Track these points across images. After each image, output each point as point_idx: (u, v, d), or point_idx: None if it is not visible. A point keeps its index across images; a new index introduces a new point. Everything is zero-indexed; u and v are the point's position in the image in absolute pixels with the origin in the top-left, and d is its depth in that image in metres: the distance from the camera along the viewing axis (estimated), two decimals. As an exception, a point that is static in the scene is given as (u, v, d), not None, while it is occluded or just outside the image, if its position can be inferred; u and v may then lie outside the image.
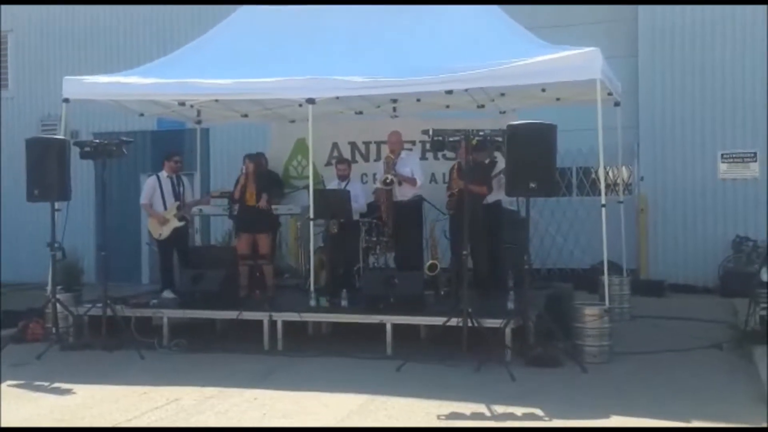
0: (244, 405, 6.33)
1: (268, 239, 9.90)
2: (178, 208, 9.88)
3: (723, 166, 12.94)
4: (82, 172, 12.86)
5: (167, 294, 9.66)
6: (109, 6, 16.01)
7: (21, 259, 14.97)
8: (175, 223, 9.86)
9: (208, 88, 9.02)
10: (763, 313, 7.89)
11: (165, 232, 9.86)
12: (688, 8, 13.09)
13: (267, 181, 10.15)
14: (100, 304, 8.59)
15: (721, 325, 9.22)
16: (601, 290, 8.30)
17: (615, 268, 9.74)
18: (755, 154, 12.76)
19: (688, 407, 6.01)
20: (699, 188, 13.03)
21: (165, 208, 9.87)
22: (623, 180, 13.07)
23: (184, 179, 10.27)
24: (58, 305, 8.63)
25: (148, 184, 10.10)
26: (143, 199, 10.07)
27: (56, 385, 7.04)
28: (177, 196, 9.96)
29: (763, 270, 8.03)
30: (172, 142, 14.40)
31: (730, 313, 9.99)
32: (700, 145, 13.05)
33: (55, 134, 11.49)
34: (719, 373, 7.19)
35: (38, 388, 6.99)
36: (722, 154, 12.93)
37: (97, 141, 8.74)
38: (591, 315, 7.62)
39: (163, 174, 10.05)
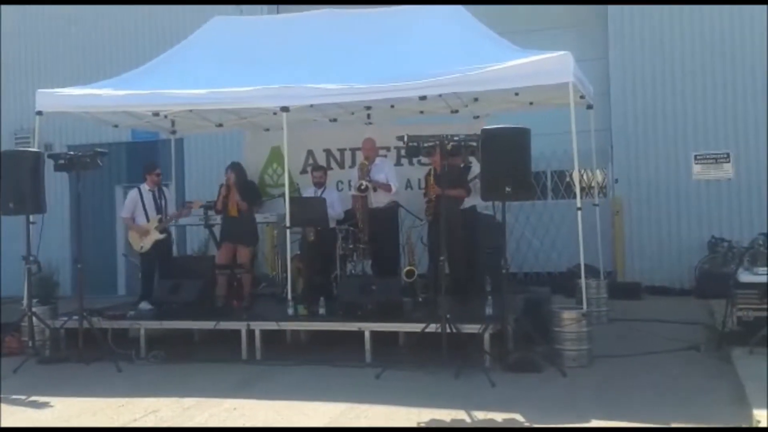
0: (224, 415, 6.29)
1: (249, 250, 9.85)
2: (160, 221, 9.85)
3: (697, 167, 13.05)
4: (55, 185, 12.72)
5: (144, 305, 9.58)
6: (83, 14, 15.92)
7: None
8: (157, 236, 9.82)
9: (182, 98, 8.99)
10: (740, 314, 7.95)
11: (146, 244, 9.82)
12: (656, 10, 13.21)
13: (247, 191, 10.12)
14: (76, 317, 8.51)
15: (699, 327, 9.25)
16: (579, 294, 8.34)
17: (592, 271, 9.78)
18: (728, 154, 12.89)
19: (668, 409, 6.06)
20: (673, 190, 13.12)
21: (147, 221, 9.84)
22: (598, 183, 13.16)
23: (166, 191, 10.25)
24: (34, 318, 8.54)
25: (130, 197, 10.05)
26: (125, 213, 10.04)
27: (33, 398, 6.95)
28: (159, 209, 9.93)
29: (740, 270, 8.10)
30: (146, 153, 14.34)
31: (706, 314, 10.01)
32: (673, 146, 13.14)
33: (28, 147, 11.40)
34: (698, 375, 7.22)
35: (15, 402, 6.89)
36: (695, 155, 13.05)
37: (72, 153, 8.67)
38: (569, 319, 7.64)
39: (145, 187, 10.02)
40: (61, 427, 5.98)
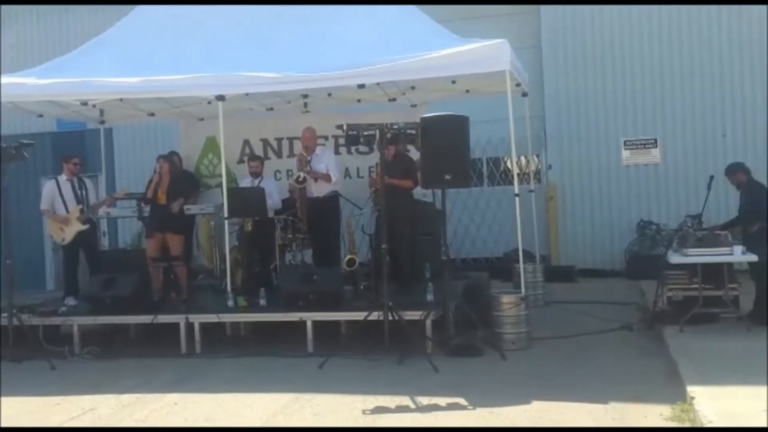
0: (165, 410, 6.19)
1: (179, 239, 9.64)
2: (81, 211, 9.56)
3: (626, 153, 13.37)
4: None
5: (70, 301, 9.32)
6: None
7: None
8: (79, 227, 9.53)
9: (113, 86, 8.76)
10: (671, 294, 8.21)
11: (68, 236, 9.53)
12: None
13: (182, 181, 9.92)
14: (5, 314, 8.22)
15: (630, 307, 9.55)
16: (516, 278, 8.47)
17: (528, 256, 9.92)
18: (656, 140, 13.24)
19: (606, 388, 6.19)
20: (604, 175, 13.41)
21: (67, 212, 9.54)
22: (532, 169, 13.36)
23: (87, 181, 9.94)
24: (-40, 318, 8.24)
25: (47, 189, 9.73)
26: (43, 205, 9.71)
27: (-37, 400, 6.70)
28: (79, 199, 9.63)
29: (670, 252, 8.34)
30: (73, 144, 13.95)
31: (637, 295, 10.34)
32: (603, 132, 13.41)
33: (-55, 140, 10.95)
34: (632, 354, 7.44)
35: (-56, 405, 6.64)
36: (625, 141, 13.36)
37: (-4, 145, 8.36)
38: (508, 303, 7.76)
39: (63, 177, 9.72)
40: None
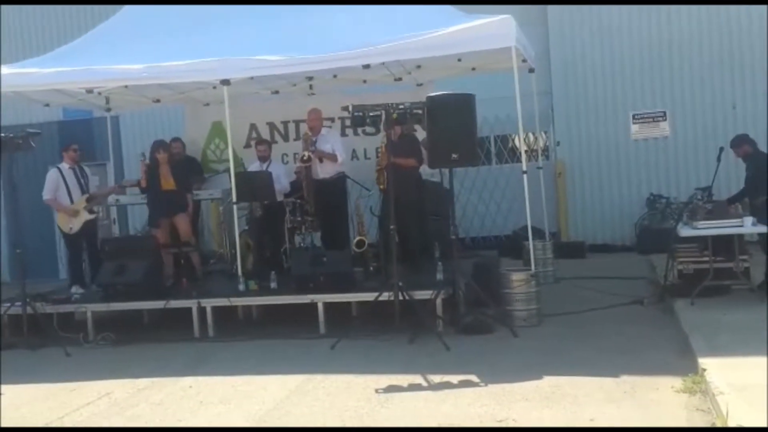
0: (179, 394, 6.24)
1: (186, 221, 9.63)
2: (88, 201, 9.61)
3: (634, 127, 13.30)
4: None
5: (75, 290, 9.37)
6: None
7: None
8: (86, 216, 9.59)
9: (117, 73, 8.74)
10: (681, 267, 8.19)
11: (76, 225, 9.57)
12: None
13: (186, 166, 9.94)
14: (19, 303, 8.29)
15: (641, 281, 9.55)
16: (526, 255, 8.46)
17: (537, 233, 9.91)
18: (665, 113, 13.17)
19: (617, 361, 6.20)
20: (612, 149, 13.36)
21: (71, 201, 9.58)
22: (540, 146, 13.31)
23: (86, 169, 9.98)
24: (-26, 307, 8.32)
25: (50, 178, 9.70)
26: (47, 194, 9.67)
27: (-21, 387, 6.78)
28: (83, 188, 9.68)
29: (680, 225, 8.32)
30: (80, 132, 13.98)
31: (648, 269, 10.33)
32: (611, 107, 13.36)
33: (-48, 130, 10.98)
34: (643, 327, 7.43)
35: (-39, 393, 6.72)
36: (633, 115, 13.29)
37: (2, 135, 8.38)
38: (518, 280, 7.77)
39: (65, 166, 9.74)
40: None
